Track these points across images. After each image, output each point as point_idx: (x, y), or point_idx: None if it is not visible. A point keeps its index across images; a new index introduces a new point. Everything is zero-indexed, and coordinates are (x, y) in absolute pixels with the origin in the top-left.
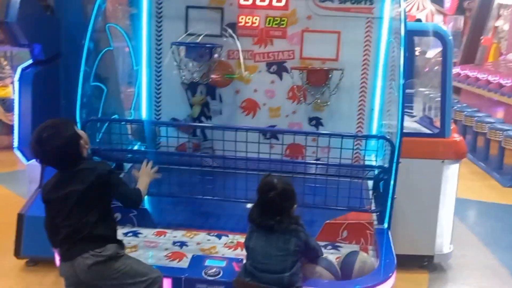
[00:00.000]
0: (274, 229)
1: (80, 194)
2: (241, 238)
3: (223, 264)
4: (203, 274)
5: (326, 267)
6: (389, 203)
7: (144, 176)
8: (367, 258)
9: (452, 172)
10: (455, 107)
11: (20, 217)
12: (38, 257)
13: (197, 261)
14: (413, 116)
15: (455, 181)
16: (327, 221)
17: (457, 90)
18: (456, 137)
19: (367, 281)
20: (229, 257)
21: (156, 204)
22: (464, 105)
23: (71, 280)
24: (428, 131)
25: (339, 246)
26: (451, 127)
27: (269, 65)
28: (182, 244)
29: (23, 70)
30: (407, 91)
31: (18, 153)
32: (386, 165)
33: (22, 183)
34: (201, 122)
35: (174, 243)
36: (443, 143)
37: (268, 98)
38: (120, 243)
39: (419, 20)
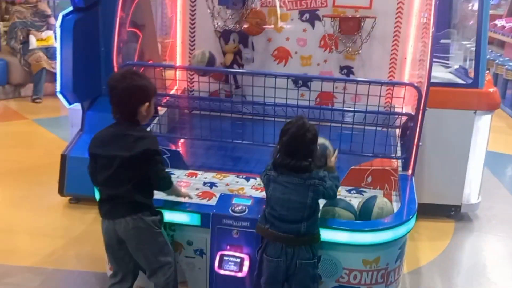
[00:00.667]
0: (304, 171)
1: (124, 161)
2: None
3: (249, 202)
4: (230, 210)
5: (345, 207)
6: (413, 150)
7: (181, 188)
8: (385, 204)
9: (483, 123)
10: (497, 61)
11: (63, 157)
12: (79, 195)
13: (225, 199)
14: (448, 67)
15: (487, 132)
16: (353, 167)
17: (501, 44)
18: (490, 88)
19: (387, 222)
20: (255, 196)
21: (188, 147)
22: (507, 59)
23: (111, 237)
24: (461, 82)
25: (363, 191)
26: (486, 79)
27: (301, 13)
28: (212, 184)
29: (64, 16)
30: (443, 41)
31: (61, 97)
32: (413, 113)
33: (66, 127)
34: (233, 68)
35: (204, 183)
36: (476, 94)
37: (300, 46)
38: (160, 215)
39: None
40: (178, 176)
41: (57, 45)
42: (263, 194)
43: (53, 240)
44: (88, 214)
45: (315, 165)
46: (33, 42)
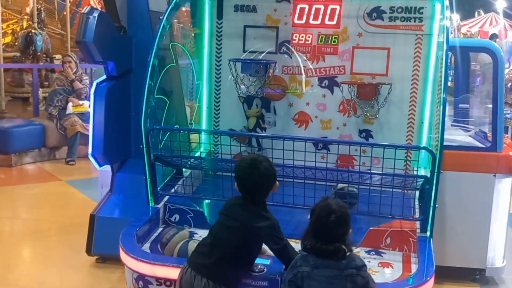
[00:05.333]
0: (331, 256)
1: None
2: (292, 243)
3: (268, 262)
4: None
5: None
6: (430, 211)
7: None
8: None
9: (504, 186)
10: None
11: (92, 217)
12: (106, 254)
13: None
14: (468, 131)
15: (508, 194)
16: (372, 228)
17: None
18: (509, 151)
19: (407, 284)
20: (274, 256)
21: (212, 207)
22: None
23: None
24: (480, 145)
25: (382, 252)
26: (506, 142)
27: (320, 79)
28: None
29: (98, 84)
30: (462, 105)
31: (92, 159)
32: (428, 175)
33: (97, 188)
34: (256, 132)
35: None
36: (495, 157)
37: (319, 111)
38: None
39: (494, 36)
40: (201, 236)
41: (91, 110)
42: None
43: None
44: (113, 274)
45: (347, 248)
46: (70, 107)
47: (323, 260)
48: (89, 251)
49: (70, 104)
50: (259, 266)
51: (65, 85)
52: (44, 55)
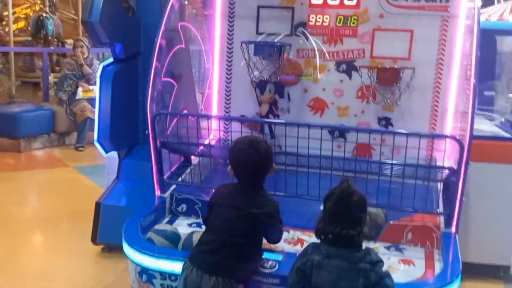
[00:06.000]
0: (348, 244)
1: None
2: (302, 235)
3: (280, 258)
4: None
5: None
6: (457, 206)
7: None
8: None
9: None
10: None
11: (97, 205)
12: (112, 244)
13: None
14: (492, 120)
15: None
16: (392, 222)
17: None
18: None
19: (430, 283)
20: (287, 252)
21: None
22: None
23: None
24: (507, 135)
25: (403, 249)
26: None
27: (338, 64)
28: None
29: (104, 67)
30: (487, 93)
31: (98, 145)
32: (455, 167)
33: (103, 175)
34: (268, 119)
35: None
36: None
37: (336, 97)
38: None
39: None
40: None
41: (96, 94)
42: (296, 249)
43: None
44: (119, 264)
45: (364, 236)
46: (79, 92)
47: (337, 249)
48: (94, 240)
49: (80, 89)
50: (270, 262)
51: (75, 70)
52: (55, 40)
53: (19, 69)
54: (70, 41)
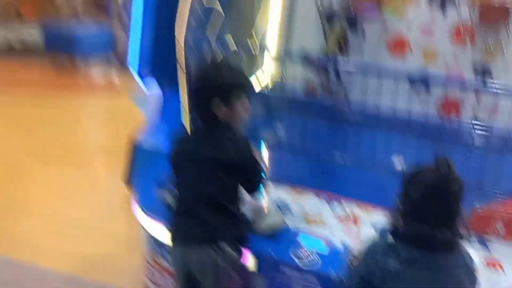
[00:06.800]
0: (440, 248)
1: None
2: (357, 209)
3: (325, 251)
4: (291, 255)
5: None
6: None
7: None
8: None
9: None
10: None
11: (133, 147)
12: None
13: (288, 235)
14: None
15: None
16: (478, 206)
17: None
18: None
19: None
20: (334, 244)
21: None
22: None
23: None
24: None
25: (490, 244)
26: None
27: None
28: (282, 205)
29: None
30: None
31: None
32: None
33: None
34: (336, 60)
35: (271, 201)
36: None
37: (424, 37)
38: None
39: None
40: None
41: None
42: (349, 230)
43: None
44: None
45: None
46: None
47: (423, 253)
48: (127, 182)
49: None
50: (310, 255)
51: None
52: None
53: None
54: None
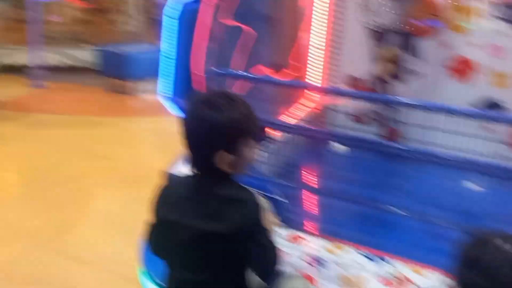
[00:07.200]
0: None
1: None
2: (406, 269)
3: None
4: None
5: None
6: None
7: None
8: None
9: None
10: None
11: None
12: None
13: None
14: None
15: None
16: None
17: None
18: None
19: None
20: None
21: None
22: None
23: None
24: None
25: None
26: None
27: (499, 8)
28: (317, 260)
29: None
30: None
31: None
32: None
33: None
34: (387, 84)
35: (306, 255)
36: None
37: (492, 57)
38: None
39: None
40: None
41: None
42: None
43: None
44: None
45: None
46: None
47: None
48: None
49: None
50: None
51: None
52: None
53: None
54: None
